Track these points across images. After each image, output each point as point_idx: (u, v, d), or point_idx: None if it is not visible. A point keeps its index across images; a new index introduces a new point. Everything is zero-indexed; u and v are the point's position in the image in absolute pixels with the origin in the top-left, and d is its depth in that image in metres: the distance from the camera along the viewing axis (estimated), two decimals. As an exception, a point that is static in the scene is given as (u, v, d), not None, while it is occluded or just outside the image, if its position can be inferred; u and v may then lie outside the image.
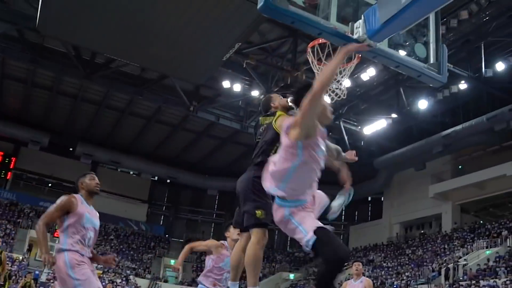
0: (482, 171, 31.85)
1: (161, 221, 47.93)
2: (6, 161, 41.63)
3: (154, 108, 34.64)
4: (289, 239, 43.90)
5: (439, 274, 28.52)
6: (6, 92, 35.13)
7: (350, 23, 4.65)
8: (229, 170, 42.91)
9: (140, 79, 31.31)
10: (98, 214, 5.62)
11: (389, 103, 32.13)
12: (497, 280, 24.65)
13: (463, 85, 27.80)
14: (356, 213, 45.40)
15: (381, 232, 39.69)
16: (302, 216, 4.05)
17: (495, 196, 33.71)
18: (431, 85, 5.44)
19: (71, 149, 41.39)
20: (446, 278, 27.51)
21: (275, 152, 5.01)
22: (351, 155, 5.53)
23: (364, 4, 4.77)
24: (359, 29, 4.56)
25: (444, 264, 29.26)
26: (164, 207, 48.40)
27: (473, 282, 25.26)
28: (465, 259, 28.62)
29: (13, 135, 39.36)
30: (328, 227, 4.03)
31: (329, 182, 6.06)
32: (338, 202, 5.06)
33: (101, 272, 35.14)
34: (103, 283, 32.70)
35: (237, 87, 30.70)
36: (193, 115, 33.32)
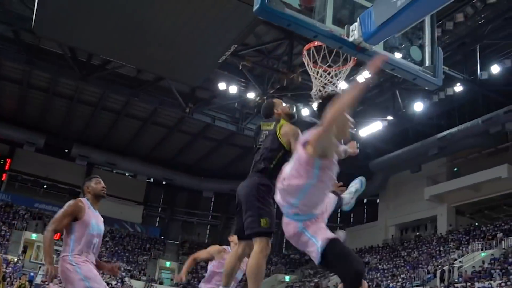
0: (477, 173, 31.91)
1: (157, 223, 47.88)
2: (1, 163, 41.57)
3: (150, 109, 34.60)
4: (284, 241, 43.90)
5: (435, 276, 28.54)
6: (2, 93, 35.03)
7: (345, 26, 4.67)
8: (225, 172, 42.95)
9: (136, 81, 31.26)
10: (102, 219, 5.61)
11: (385, 106, 32.18)
12: (492, 282, 24.68)
13: (458, 88, 27.83)
14: (352, 215, 45.39)
15: (376, 234, 39.72)
16: (315, 228, 3.94)
17: (490, 198, 33.76)
18: (426, 87, 5.46)
19: (66, 150, 41.32)
20: (442, 280, 27.53)
21: (278, 160, 5.06)
22: (353, 147, 5.53)
23: (359, 7, 4.79)
24: (354, 31, 4.58)
25: (440, 266, 29.29)
26: (159, 209, 48.36)
27: (468, 284, 25.29)
28: (460, 261, 28.65)
29: (9, 136, 39.23)
30: (340, 232, 4.02)
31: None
32: (351, 191, 5.21)
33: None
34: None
35: (233, 89, 30.66)
36: (189, 117, 33.30)
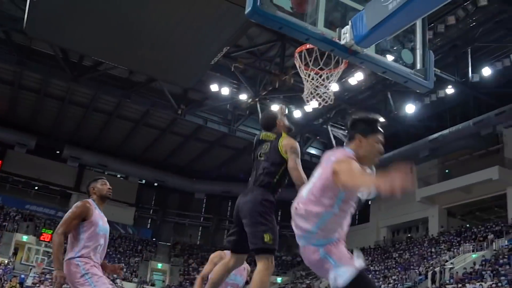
0: (468, 175, 32.04)
1: (148, 225, 47.81)
2: (-8, 164, 41.40)
3: (142, 111, 34.55)
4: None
5: (426, 277, 28.63)
6: (-7, 94, 34.94)
7: (337, 29, 4.67)
8: (217, 173, 42.97)
9: (128, 82, 31.20)
10: (106, 219, 5.61)
11: (376, 108, 32.20)
12: (483, 283, 24.78)
13: (450, 90, 27.94)
14: (344, 217, 45.47)
15: (368, 236, 39.79)
16: (339, 254, 3.68)
17: (482, 200, 33.92)
18: (417, 90, 5.47)
19: (58, 152, 41.20)
20: (433, 281, 27.63)
21: (281, 175, 5.07)
22: None
23: (351, 10, 4.80)
24: (346, 34, 4.59)
25: (431, 267, 29.39)
26: (151, 211, 48.29)
27: (459, 285, 25.38)
28: (451, 263, 28.76)
29: (-1, 137, 39.13)
30: (357, 253, 3.79)
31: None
32: None
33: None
34: None
35: (225, 91, 30.67)
36: (181, 119, 33.26)
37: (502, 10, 23.83)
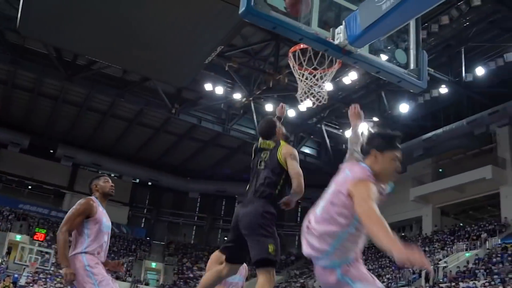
0: (462, 174, 32.11)
1: (142, 224, 47.72)
2: (-14, 163, 41.25)
3: (135, 110, 34.50)
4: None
5: (420, 276, 28.70)
6: (-14, 93, 34.82)
7: (331, 29, 4.68)
8: (211, 173, 42.95)
9: (122, 81, 31.14)
10: (108, 217, 5.63)
11: (370, 107, 32.25)
12: (476, 282, 24.88)
13: (443, 89, 28.03)
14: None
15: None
16: (358, 275, 3.52)
17: (475, 199, 34.00)
18: (411, 90, 5.49)
19: (51, 151, 41.09)
20: (426, 280, 27.70)
21: (282, 185, 5.03)
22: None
23: (345, 10, 4.81)
24: (340, 34, 4.60)
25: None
26: (145, 210, 48.21)
27: (453, 284, 25.47)
28: (445, 262, 28.84)
29: (-7, 137, 38.99)
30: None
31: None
32: None
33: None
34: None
35: (219, 90, 30.67)
36: (175, 118, 33.21)
37: (495, 10, 23.93)
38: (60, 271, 34.08)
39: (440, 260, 29.37)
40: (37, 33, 22.82)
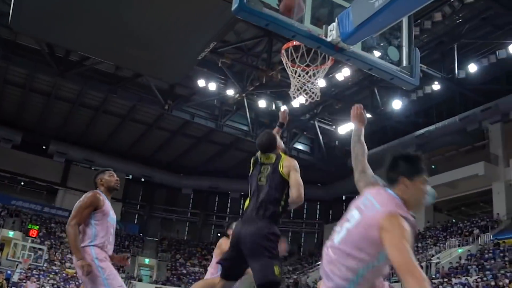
0: (454, 170, 32.20)
1: (136, 220, 47.64)
2: (-23, 160, 41.08)
3: (128, 106, 34.42)
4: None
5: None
6: (-22, 89, 34.65)
7: (324, 26, 4.67)
8: (204, 169, 42.91)
9: (114, 77, 31.07)
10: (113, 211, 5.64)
11: (363, 103, 31.82)
12: (468, 278, 24.97)
13: (436, 86, 28.10)
14: (331, 212, 45.64)
15: (355, 231, 39.91)
16: None
17: (467, 195, 34.11)
18: (403, 87, 5.49)
19: (44, 147, 40.94)
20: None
21: (285, 201, 4.90)
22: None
23: (338, 7, 4.80)
24: (333, 32, 4.59)
25: (417, 262, 29.55)
26: (138, 206, 48.14)
27: (445, 280, 25.55)
28: (437, 257, 28.94)
29: (-15, 133, 38.81)
30: None
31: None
32: None
33: (74, 271, 34.82)
34: (77, 283, 32.46)
35: (212, 86, 30.66)
36: (168, 114, 33.19)
37: (488, 7, 24.01)
38: (55, 268, 33.94)
39: (433, 256, 29.47)
40: (29, 29, 22.75)
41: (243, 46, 28.62)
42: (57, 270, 34.37)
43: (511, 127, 30.85)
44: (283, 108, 6.41)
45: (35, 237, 35.69)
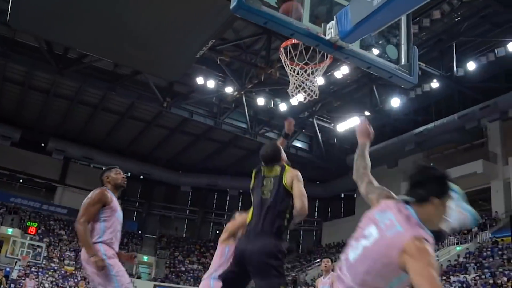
0: (453, 168, 32.06)
1: (134, 217, 47.62)
2: (-24, 157, 41.06)
3: (127, 104, 34.39)
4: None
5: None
6: (-24, 86, 34.61)
7: (322, 24, 4.68)
8: (203, 166, 42.89)
9: (113, 75, 31.04)
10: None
11: (362, 101, 32.38)
12: (467, 276, 25.02)
13: (435, 84, 28.10)
14: (329, 210, 45.71)
15: (353, 229, 38.80)
16: None
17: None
18: (402, 86, 5.50)
19: (43, 144, 40.92)
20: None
21: (290, 213, 4.80)
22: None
23: (336, 5, 4.81)
24: (331, 30, 4.60)
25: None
26: (137, 203, 48.10)
27: (444, 278, 25.58)
28: (436, 255, 28.93)
29: (-17, 130, 38.76)
30: None
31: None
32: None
33: (73, 268, 34.88)
34: (76, 280, 32.49)
35: (211, 84, 30.64)
36: (166, 111, 33.16)
37: (487, 4, 24.00)
38: (54, 265, 33.96)
39: (431, 253, 29.47)
40: (28, 27, 22.74)
41: (241, 44, 28.60)
42: (55, 267, 34.38)
43: (509, 125, 30.88)
44: (290, 120, 6.21)
45: (34, 234, 35.74)
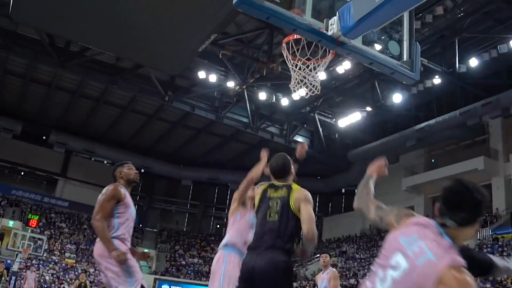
0: (454, 165, 32.20)
1: (135, 211, 47.68)
2: (-22, 149, 41.09)
3: (129, 97, 34.37)
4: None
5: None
6: (-22, 79, 34.61)
7: (325, 20, 4.67)
8: (204, 160, 42.90)
9: (115, 68, 31.03)
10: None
11: (364, 96, 32.35)
12: (466, 272, 25.01)
13: (437, 80, 28.06)
14: (330, 205, 45.73)
15: (354, 224, 39.95)
16: None
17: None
18: (404, 82, 5.49)
19: (44, 137, 40.90)
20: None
21: (299, 237, 4.66)
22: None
23: (339, 1, 4.80)
24: (333, 25, 4.60)
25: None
26: (138, 197, 48.07)
27: (444, 274, 25.59)
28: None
29: (-15, 123, 38.78)
30: None
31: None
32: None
33: (74, 261, 34.96)
34: (76, 273, 32.56)
35: (213, 78, 30.62)
36: (168, 105, 33.14)
37: (490, 1, 23.95)
38: (54, 258, 34.01)
39: (431, 249, 29.51)
40: (29, 19, 22.72)
41: (244, 38, 28.57)
42: (56, 260, 34.47)
43: (511, 122, 30.86)
44: (303, 144, 5.89)
45: (35, 227, 35.79)
